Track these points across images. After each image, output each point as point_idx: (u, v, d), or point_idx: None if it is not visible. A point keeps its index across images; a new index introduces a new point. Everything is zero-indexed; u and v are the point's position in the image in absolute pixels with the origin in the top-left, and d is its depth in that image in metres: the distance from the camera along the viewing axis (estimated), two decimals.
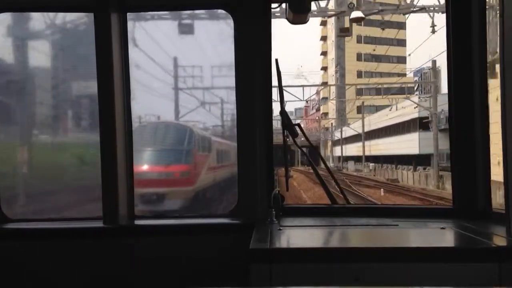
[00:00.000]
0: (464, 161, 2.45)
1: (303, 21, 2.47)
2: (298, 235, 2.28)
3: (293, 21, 2.47)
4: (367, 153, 38.70)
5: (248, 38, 2.47)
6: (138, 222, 2.57)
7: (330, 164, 51.58)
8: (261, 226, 2.31)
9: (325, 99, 62.71)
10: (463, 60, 2.43)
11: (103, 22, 2.39)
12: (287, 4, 2.43)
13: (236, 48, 2.48)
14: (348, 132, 44.93)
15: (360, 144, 39.86)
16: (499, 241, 2.05)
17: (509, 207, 1.96)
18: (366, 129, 38.72)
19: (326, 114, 61.78)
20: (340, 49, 58.35)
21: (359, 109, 49.58)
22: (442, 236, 2.20)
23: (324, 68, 66.20)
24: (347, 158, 45.83)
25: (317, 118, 59.54)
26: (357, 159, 43.07)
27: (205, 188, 11.78)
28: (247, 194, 2.52)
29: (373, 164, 37.00)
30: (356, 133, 41.06)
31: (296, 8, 2.39)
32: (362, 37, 58.20)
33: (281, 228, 2.30)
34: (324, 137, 55.30)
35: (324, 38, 63.79)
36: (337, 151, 50.29)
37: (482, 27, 2.41)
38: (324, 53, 65.35)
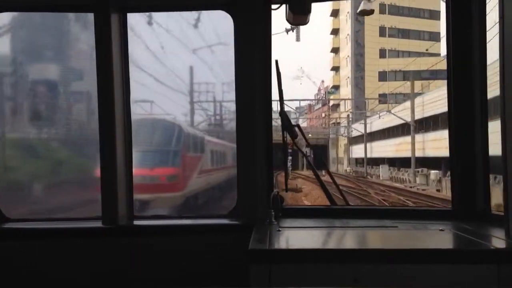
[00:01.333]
0: (463, 163, 2.99)
1: (304, 22, 3.04)
2: (298, 236, 2.76)
3: (293, 22, 3.04)
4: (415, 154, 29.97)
5: (248, 39, 3.03)
6: (137, 222, 3.15)
7: (346, 168, 47.63)
8: (260, 226, 2.80)
9: (336, 87, 59.93)
10: (463, 60, 2.95)
11: (103, 22, 2.95)
12: (287, 5, 2.98)
13: (236, 49, 3.04)
14: (375, 125, 40.52)
15: (400, 140, 34.11)
16: (498, 243, 2.48)
17: (508, 209, 2.40)
18: (413, 117, 30.25)
19: (337, 106, 58.77)
20: (358, 22, 55.09)
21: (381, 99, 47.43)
22: (441, 237, 2.65)
23: (335, 31, 61.81)
24: (375, 161, 40.94)
25: (323, 114, 56.77)
26: (391, 162, 36.28)
27: (196, 193, 12.22)
28: (246, 194, 3.08)
29: (436, 171, 26.39)
30: (393, 123, 34.50)
31: (297, 9, 2.94)
32: (387, 6, 54.38)
33: (280, 229, 2.77)
34: (337, 132, 51.99)
35: (335, 13, 61.04)
36: (357, 151, 46.85)
37: (482, 27, 2.92)
38: (335, 31, 62.45)
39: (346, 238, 2.83)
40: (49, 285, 3.00)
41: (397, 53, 54.46)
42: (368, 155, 41.61)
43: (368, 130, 42.18)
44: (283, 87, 3.06)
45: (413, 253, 2.34)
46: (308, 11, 2.95)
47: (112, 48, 2.96)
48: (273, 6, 3.06)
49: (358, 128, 45.00)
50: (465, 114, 2.97)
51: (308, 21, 3.02)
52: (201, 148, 13.55)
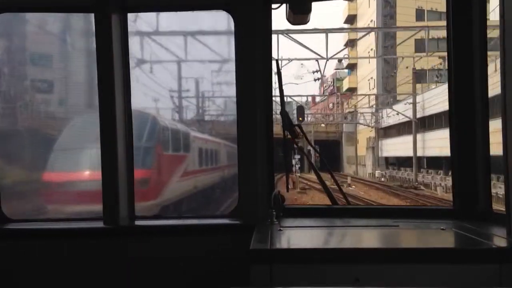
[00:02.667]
0: (464, 162, 3.84)
1: (304, 21, 3.91)
2: (299, 236, 3.57)
3: (293, 22, 3.89)
4: None
5: (249, 39, 3.88)
6: (138, 222, 4.03)
7: (374, 172, 43.22)
8: (261, 226, 3.60)
9: (352, 67, 56.01)
10: (463, 60, 3.81)
11: (104, 22, 3.79)
12: (288, 4, 3.85)
13: (237, 49, 3.90)
14: (434, 104, 34.27)
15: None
16: (500, 242, 3.17)
17: (509, 208, 3.04)
18: None
19: (352, 90, 55.31)
20: None
21: (419, 79, 40.38)
22: (442, 237, 3.38)
23: None
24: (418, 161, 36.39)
25: (330, 104, 53.41)
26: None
27: (178, 201, 12.74)
28: (247, 194, 3.95)
29: None
30: None
31: (297, 9, 3.81)
32: None
33: (281, 228, 3.54)
34: (358, 120, 47.84)
35: None
36: (391, 147, 43.84)
37: (483, 25, 3.76)
38: None
39: (347, 237, 3.62)
40: (50, 285, 3.83)
41: (439, 15, 53.87)
42: (407, 152, 37.13)
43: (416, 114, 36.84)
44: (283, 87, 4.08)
45: (414, 252, 3.01)
46: (308, 10, 3.83)
47: (113, 48, 3.81)
48: (273, 6, 3.93)
49: (404, 113, 38.27)
50: (466, 113, 3.81)
51: (308, 21, 3.88)
52: (185, 145, 14.06)
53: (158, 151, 12.80)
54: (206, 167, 15.64)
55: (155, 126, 12.77)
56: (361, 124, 49.03)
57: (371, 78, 50.66)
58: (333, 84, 56.86)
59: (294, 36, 26.95)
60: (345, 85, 58.22)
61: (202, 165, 15.37)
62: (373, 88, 48.60)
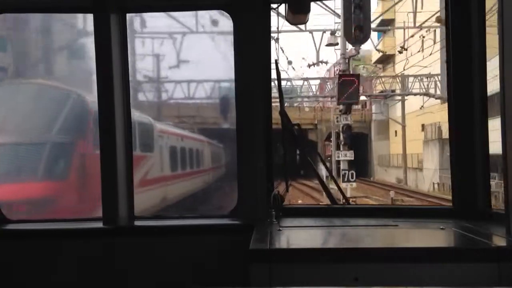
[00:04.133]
0: (464, 161, 4.49)
1: (303, 21, 4.52)
2: (298, 236, 4.16)
3: (292, 22, 4.43)
4: None
5: (248, 39, 4.51)
6: (138, 222, 4.68)
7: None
8: (260, 226, 4.19)
9: (387, 26, 57.14)
10: (462, 59, 4.50)
11: (103, 23, 4.43)
12: (287, 4, 4.45)
13: (236, 49, 4.53)
14: None
15: None
16: (499, 241, 3.65)
17: (508, 207, 3.58)
18: None
19: (388, 60, 50.40)
20: None
21: None
22: (441, 236, 3.96)
23: None
24: None
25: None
26: None
27: None
28: (246, 194, 4.62)
29: None
30: None
31: (296, 9, 4.42)
32: None
33: (280, 228, 4.13)
34: (438, 88, 32.89)
35: None
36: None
37: (481, 23, 4.41)
38: None
39: (347, 237, 4.23)
40: (50, 286, 4.48)
41: None
42: None
43: None
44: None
45: (413, 251, 3.54)
46: (307, 10, 4.47)
47: (112, 48, 4.48)
48: (273, 6, 4.59)
49: None
50: (466, 112, 4.50)
51: (307, 20, 4.51)
52: (144, 142, 12.34)
53: (82, 149, 10.78)
54: (183, 171, 14.37)
55: (82, 110, 10.64)
56: (429, 95, 37.14)
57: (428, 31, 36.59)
58: (348, 65, 54.11)
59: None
60: (372, 57, 51.05)
61: (178, 169, 14.07)
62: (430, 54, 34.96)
